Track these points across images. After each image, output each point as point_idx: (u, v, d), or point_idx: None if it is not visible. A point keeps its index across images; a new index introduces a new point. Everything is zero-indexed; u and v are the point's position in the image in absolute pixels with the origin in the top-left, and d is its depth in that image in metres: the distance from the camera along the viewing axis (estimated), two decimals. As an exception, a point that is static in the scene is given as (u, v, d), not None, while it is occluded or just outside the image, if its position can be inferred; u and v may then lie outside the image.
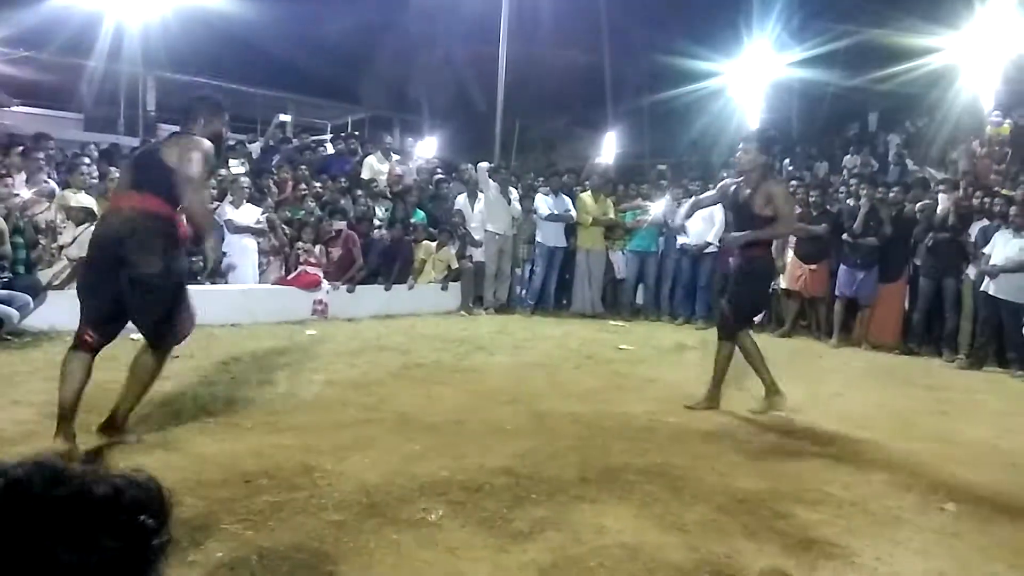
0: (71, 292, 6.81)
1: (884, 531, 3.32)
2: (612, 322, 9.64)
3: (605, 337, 8.37)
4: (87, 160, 8.82)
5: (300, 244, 8.89)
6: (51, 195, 7.62)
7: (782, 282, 9.41)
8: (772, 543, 3.10)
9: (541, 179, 11.18)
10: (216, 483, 3.37)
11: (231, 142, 13.02)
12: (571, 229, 10.30)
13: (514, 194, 10.44)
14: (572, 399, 5.45)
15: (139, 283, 3.71)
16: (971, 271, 8.09)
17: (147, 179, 3.81)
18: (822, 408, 5.56)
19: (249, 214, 8.68)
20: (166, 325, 3.90)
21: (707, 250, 9.82)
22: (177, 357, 5.93)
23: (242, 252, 8.54)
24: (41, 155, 8.40)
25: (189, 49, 17.27)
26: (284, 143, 13.05)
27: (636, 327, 9.54)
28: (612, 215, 10.40)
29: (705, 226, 9.83)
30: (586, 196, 10.36)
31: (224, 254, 8.43)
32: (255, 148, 12.39)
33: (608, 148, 19.22)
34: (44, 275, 6.89)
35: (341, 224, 9.10)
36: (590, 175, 11.42)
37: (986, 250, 7.83)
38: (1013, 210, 7.71)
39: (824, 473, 4.04)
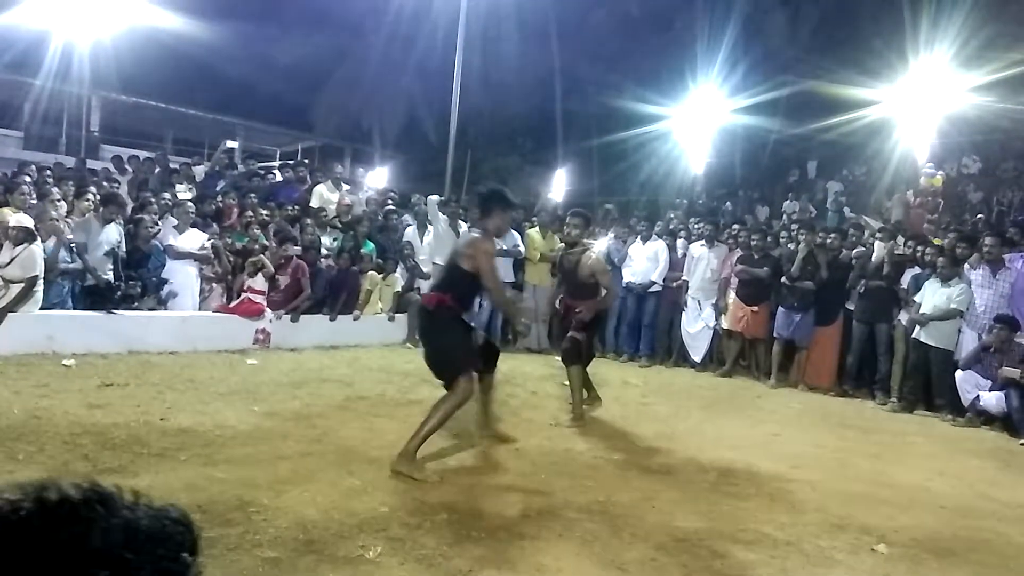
0: (11, 316, 6.65)
1: (817, 571, 3.38)
2: (557, 358, 9.67)
3: (550, 373, 8.39)
4: (27, 179, 8.60)
5: (254, 260, 8.66)
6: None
7: (724, 323, 9.59)
8: (709, 583, 3.13)
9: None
10: (147, 517, 3.26)
11: (175, 166, 12.89)
12: (519, 264, 10.37)
13: (463, 227, 10.47)
14: (516, 434, 5.44)
15: None
16: (903, 317, 8.36)
17: None
18: (760, 448, 5.65)
19: (193, 240, 8.53)
20: None
21: (651, 289, 9.97)
22: (111, 385, 5.79)
23: (183, 278, 8.38)
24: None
25: (139, 70, 17.06)
26: (230, 169, 12.89)
27: (581, 363, 9.58)
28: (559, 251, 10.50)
29: (650, 265, 10.00)
30: (534, 232, 10.45)
31: (165, 281, 8.28)
32: (200, 172, 12.23)
33: (557, 185, 19.45)
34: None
35: (295, 250, 8.99)
36: (541, 211, 11.52)
37: (916, 298, 8.13)
38: (940, 260, 8.02)
39: (760, 513, 4.10)
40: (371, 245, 10.06)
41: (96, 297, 7.57)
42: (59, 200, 7.85)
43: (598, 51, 21.35)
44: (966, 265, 8.06)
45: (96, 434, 4.46)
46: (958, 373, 7.57)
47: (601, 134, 20.20)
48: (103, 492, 0.79)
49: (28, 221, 6.99)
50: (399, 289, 9.80)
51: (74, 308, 7.44)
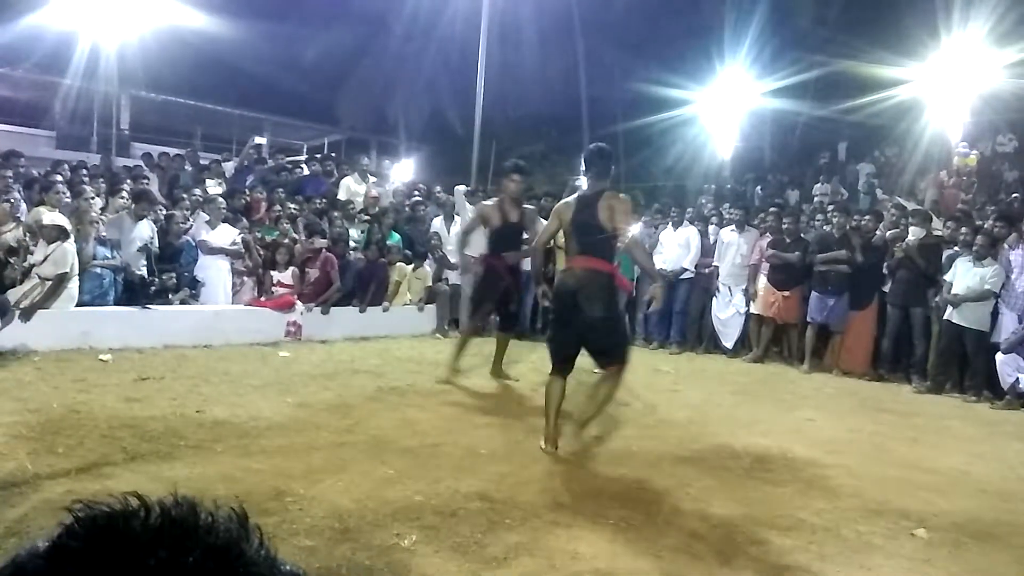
0: (42, 312, 6.77)
1: (856, 557, 3.34)
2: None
3: (579, 361, 8.36)
4: (60, 178, 8.72)
5: (275, 273, 8.82)
6: (19, 214, 7.54)
7: (755, 308, 9.49)
8: (746, 569, 3.11)
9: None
10: (185, 508, 3.30)
11: (205, 161, 13.02)
12: (547, 253, 10.31)
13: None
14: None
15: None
16: (939, 299, 8.20)
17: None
18: (794, 433, 5.60)
19: (225, 235, 8.61)
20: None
21: (682, 275, 9.89)
22: (147, 379, 5.88)
23: (215, 273, 8.47)
24: (10, 173, 8.29)
25: (165, 68, 17.20)
26: (259, 163, 13.00)
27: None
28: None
29: (681, 251, 9.92)
30: (564, 220, 10.39)
31: (195, 278, 8.39)
32: (229, 167, 12.35)
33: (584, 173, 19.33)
34: (13, 294, 6.77)
35: (323, 242, 9.05)
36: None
37: (947, 278, 7.94)
38: (979, 239, 7.83)
39: (797, 499, 4.06)
40: (396, 236, 10.09)
41: (131, 292, 7.68)
42: (93, 198, 7.96)
43: (623, 36, 21.17)
44: (1005, 245, 7.89)
45: (134, 427, 4.53)
46: (998, 356, 7.42)
47: (627, 120, 20.02)
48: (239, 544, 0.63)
49: (62, 220, 7.10)
50: (429, 282, 9.83)
51: (116, 303, 7.57)
